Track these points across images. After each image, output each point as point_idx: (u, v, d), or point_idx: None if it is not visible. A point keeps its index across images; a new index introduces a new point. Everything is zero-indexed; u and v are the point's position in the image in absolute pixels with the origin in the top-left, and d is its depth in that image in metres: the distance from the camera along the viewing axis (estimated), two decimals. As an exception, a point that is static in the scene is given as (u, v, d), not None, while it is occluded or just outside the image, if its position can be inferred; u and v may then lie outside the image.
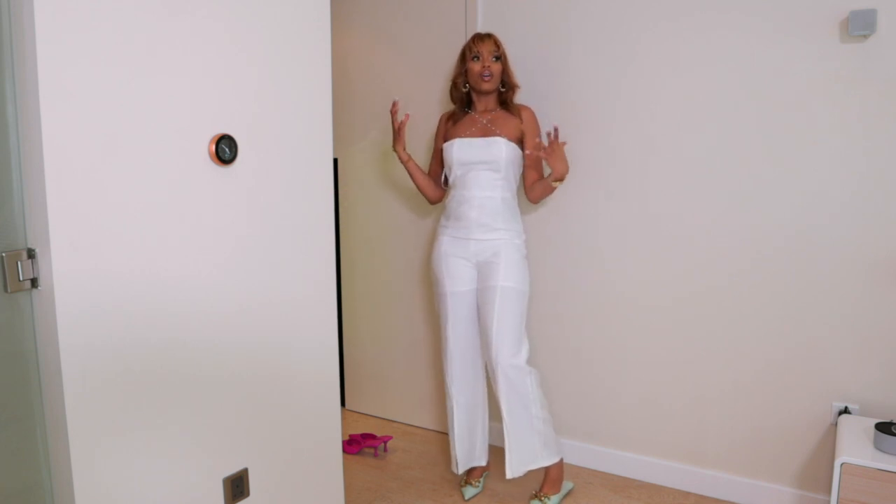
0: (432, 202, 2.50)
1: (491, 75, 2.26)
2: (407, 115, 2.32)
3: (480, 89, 2.29)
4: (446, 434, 2.98)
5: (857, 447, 1.87)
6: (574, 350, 2.64)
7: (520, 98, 2.52)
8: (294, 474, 1.84)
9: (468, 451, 2.44)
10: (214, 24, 1.52)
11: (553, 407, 2.69)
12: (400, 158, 2.35)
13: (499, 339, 2.22)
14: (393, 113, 2.29)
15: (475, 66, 2.27)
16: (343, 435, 2.61)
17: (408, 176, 2.97)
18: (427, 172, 2.46)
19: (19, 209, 1.29)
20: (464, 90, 2.34)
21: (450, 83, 2.40)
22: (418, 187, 2.44)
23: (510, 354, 2.22)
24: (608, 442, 2.62)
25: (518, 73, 2.52)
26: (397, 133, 2.31)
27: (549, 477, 2.36)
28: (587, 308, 2.59)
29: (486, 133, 2.29)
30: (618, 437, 2.60)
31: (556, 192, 2.53)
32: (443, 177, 2.43)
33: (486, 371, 2.42)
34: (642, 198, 2.43)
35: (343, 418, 3.18)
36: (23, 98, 1.25)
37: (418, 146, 2.89)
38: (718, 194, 2.29)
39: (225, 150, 1.55)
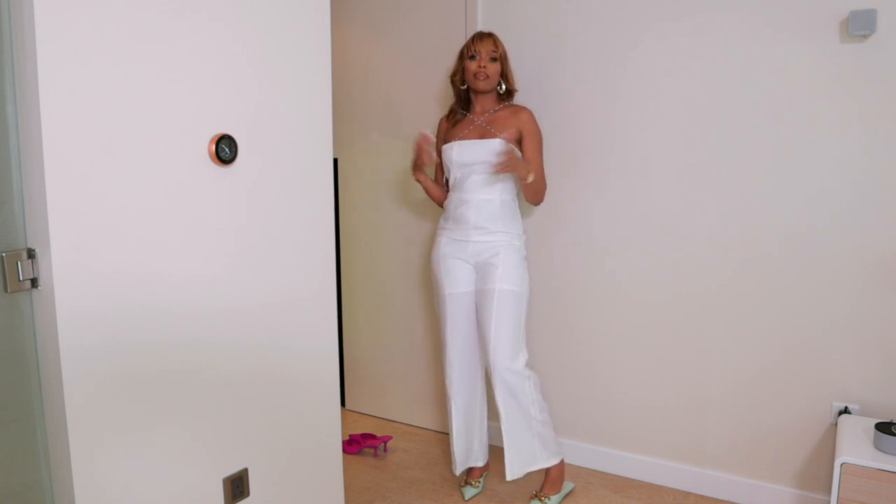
0: (442, 205, 2.49)
1: (487, 76, 2.25)
2: (429, 151, 2.23)
3: (476, 88, 2.29)
4: (446, 434, 2.98)
5: (857, 447, 1.87)
6: (574, 351, 2.64)
7: (520, 97, 2.52)
8: (294, 474, 1.84)
9: (466, 451, 2.44)
10: (214, 25, 1.52)
11: (553, 407, 2.69)
12: (417, 180, 2.34)
13: (496, 343, 2.22)
14: (421, 145, 2.21)
15: (471, 66, 2.27)
16: (343, 435, 2.61)
17: (408, 176, 2.97)
18: (434, 178, 2.46)
19: (19, 209, 1.29)
20: (462, 87, 2.34)
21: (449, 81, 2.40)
22: (431, 198, 2.45)
23: (508, 359, 2.22)
24: (608, 442, 2.62)
25: (517, 71, 2.52)
26: (418, 164, 2.26)
27: (550, 477, 2.36)
28: (587, 308, 2.59)
29: (483, 135, 2.28)
30: (618, 437, 2.60)
31: (558, 193, 2.53)
32: (444, 179, 2.43)
33: (486, 372, 2.42)
34: (642, 198, 2.43)
35: (343, 418, 3.18)
36: (23, 98, 1.25)
37: (418, 146, 2.89)
38: (719, 194, 2.29)
39: (225, 150, 1.55)
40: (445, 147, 2.32)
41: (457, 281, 2.32)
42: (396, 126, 2.94)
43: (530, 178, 2.20)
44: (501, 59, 2.28)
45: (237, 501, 1.68)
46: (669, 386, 2.46)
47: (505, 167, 2.10)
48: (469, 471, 2.50)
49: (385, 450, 2.84)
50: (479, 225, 2.26)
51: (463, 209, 2.27)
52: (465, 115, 2.36)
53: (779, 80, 2.16)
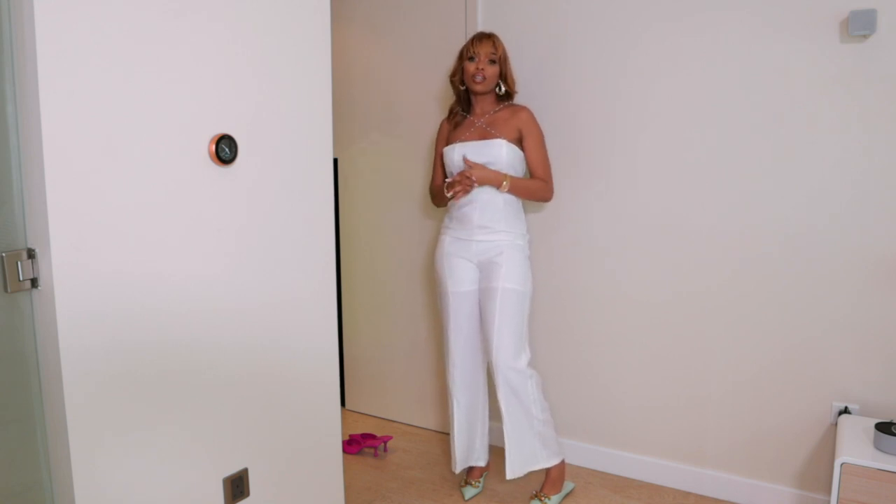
0: (441, 206, 2.49)
1: (484, 78, 2.25)
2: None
3: (473, 90, 2.29)
4: (446, 434, 2.98)
5: (857, 447, 1.87)
6: (574, 351, 2.64)
7: (521, 97, 2.52)
8: (294, 474, 1.84)
9: (467, 450, 2.44)
10: (214, 25, 1.52)
11: (553, 407, 2.69)
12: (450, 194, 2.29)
13: (499, 342, 2.22)
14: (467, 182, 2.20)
15: (469, 67, 2.27)
16: (343, 435, 2.61)
17: (408, 176, 2.97)
18: (433, 179, 2.46)
19: (19, 209, 1.29)
20: (461, 88, 2.34)
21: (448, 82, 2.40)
22: (438, 199, 2.44)
23: (510, 358, 2.22)
24: (608, 442, 2.62)
25: (517, 71, 2.52)
26: (456, 192, 2.23)
27: (550, 477, 2.36)
28: (587, 308, 2.59)
29: (484, 136, 2.29)
30: (618, 437, 2.60)
31: (558, 193, 2.53)
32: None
33: (488, 371, 2.42)
34: (642, 198, 2.43)
35: (343, 418, 3.18)
36: (23, 98, 1.25)
37: (418, 146, 2.89)
38: (719, 194, 2.29)
39: (225, 150, 1.55)
40: (447, 149, 2.32)
41: (460, 280, 2.32)
42: (396, 126, 2.95)
43: (505, 186, 2.21)
44: (500, 60, 2.28)
45: (237, 501, 1.68)
46: (669, 386, 2.46)
47: (470, 186, 2.17)
48: (469, 471, 2.50)
49: (385, 450, 2.84)
50: (482, 224, 2.26)
51: (466, 209, 2.28)
52: (466, 116, 2.36)
53: (779, 80, 2.15)
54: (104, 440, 1.38)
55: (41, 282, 1.29)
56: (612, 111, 2.45)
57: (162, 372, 1.48)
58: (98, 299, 1.35)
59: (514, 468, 2.26)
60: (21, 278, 1.28)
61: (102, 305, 1.36)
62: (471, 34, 2.61)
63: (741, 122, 2.23)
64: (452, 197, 2.25)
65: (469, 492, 2.43)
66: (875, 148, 2.05)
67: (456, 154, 2.28)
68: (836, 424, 2.18)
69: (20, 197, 1.29)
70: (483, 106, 2.33)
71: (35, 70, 1.22)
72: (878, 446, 1.86)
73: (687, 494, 2.45)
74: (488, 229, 2.26)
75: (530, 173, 2.33)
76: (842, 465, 1.82)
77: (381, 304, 3.12)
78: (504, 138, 2.25)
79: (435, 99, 2.81)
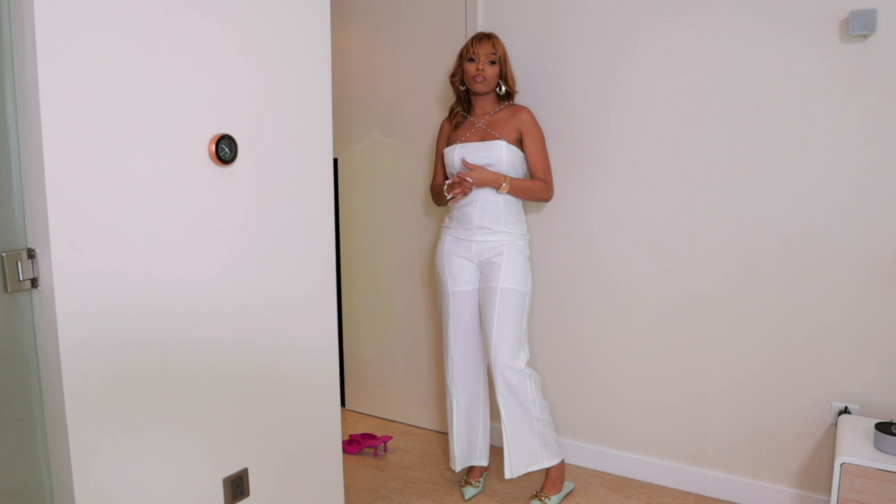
0: (443, 206, 2.50)
1: (484, 79, 2.26)
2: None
3: (474, 91, 2.30)
4: (446, 434, 2.98)
5: (857, 447, 1.87)
6: (575, 350, 2.64)
7: (520, 97, 2.52)
8: (294, 474, 1.84)
9: (467, 450, 2.45)
10: (214, 25, 1.52)
11: (553, 407, 2.69)
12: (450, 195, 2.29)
13: (498, 341, 2.22)
14: (464, 185, 2.21)
15: (470, 68, 2.27)
16: (343, 435, 2.61)
17: (408, 176, 2.97)
18: (434, 178, 2.47)
19: (19, 209, 1.29)
20: (461, 88, 2.34)
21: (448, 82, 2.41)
22: (439, 199, 2.45)
23: (509, 357, 2.22)
24: (608, 442, 2.62)
25: (517, 71, 2.52)
26: (455, 189, 2.23)
27: (550, 477, 2.36)
28: (588, 308, 2.59)
29: (484, 137, 2.29)
30: (618, 437, 2.60)
31: (558, 192, 2.54)
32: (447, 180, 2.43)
33: (488, 371, 2.42)
34: (641, 198, 2.43)
35: (343, 418, 3.18)
36: (23, 98, 1.25)
37: (418, 146, 2.89)
38: (718, 194, 2.29)
39: (225, 150, 1.55)
40: (447, 150, 2.32)
41: (460, 279, 2.33)
42: (397, 126, 2.95)
43: (504, 188, 2.21)
44: (500, 60, 2.28)
45: (237, 501, 1.68)
46: (669, 386, 2.46)
47: (468, 189, 2.18)
48: (469, 470, 2.50)
49: (385, 450, 2.84)
50: (482, 225, 2.26)
51: (467, 209, 2.28)
52: (466, 117, 2.37)
53: (779, 80, 2.15)
54: (104, 440, 1.38)
55: (41, 282, 1.29)
56: (612, 111, 2.45)
57: (162, 372, 1.48)
58: (98, 299, 1.35)
59: (513, 468, 2.26)
60: (21, 278, 1.28)
61: (103, 305, 1.36)
62: (471, 34, 2.61)
63: (740, 122, 2.23)
64: (452, 199, 2.26)
65: (469, 491, 2.43)
66: (875, 148, 2.05)
67: (456, 155, 2.28)
68: (836, 424, 2.18)
69: (20, 197, 1.29)
70: (483, 106, 2.34)
71: (35, 70, 1.22)
72: (878, 446, 1.86)
73: (687, 494, 2.45)
74: (488, 229, 2.26)
75: (530, 174, 2.33)
76: (842, 465, 1.82)
77: (381, 304, 3.12)
78: (504, 139, 2.25)
79: (435, 99, 2.81)
